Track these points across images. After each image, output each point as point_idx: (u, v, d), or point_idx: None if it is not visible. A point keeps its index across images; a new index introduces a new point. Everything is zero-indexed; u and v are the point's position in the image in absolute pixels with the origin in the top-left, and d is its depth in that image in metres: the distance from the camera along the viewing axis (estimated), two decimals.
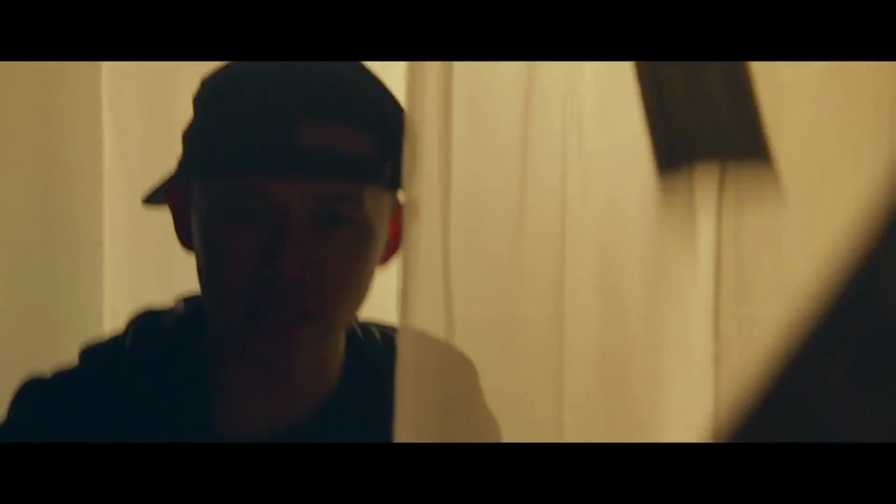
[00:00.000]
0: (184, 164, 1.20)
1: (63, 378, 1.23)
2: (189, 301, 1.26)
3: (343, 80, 1.15)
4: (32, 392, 1.22)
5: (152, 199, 1.27)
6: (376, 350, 1.26)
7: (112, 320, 1.59)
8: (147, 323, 1.24)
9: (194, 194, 1.18)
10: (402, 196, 1.21)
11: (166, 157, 1.27)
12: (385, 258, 1.22)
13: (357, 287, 1.17)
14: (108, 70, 1.63)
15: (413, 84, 0.95)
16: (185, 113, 1.22)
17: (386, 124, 1.16)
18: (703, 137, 0.90)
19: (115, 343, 1.24)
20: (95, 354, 1.24)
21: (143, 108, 1.66)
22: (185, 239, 1.21)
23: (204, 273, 1.17)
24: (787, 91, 1.11)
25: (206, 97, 1.19)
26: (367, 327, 1.29)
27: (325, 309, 1.15)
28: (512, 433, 1.13)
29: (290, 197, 1.12)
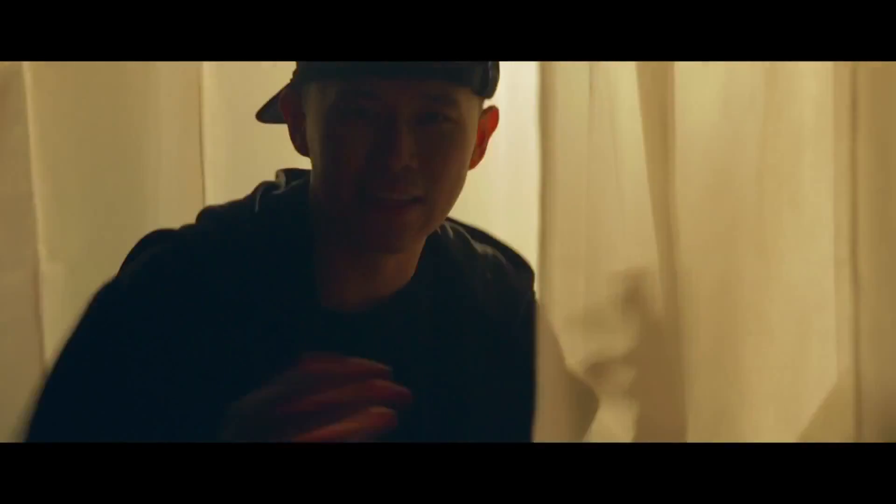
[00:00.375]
0: (301, 74, 1.33)
1: (188, 233, 1.35)
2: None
3: None
4: (156, 242, 1.34)
5: (264, 116, 1.41)
6: (452, 245, 1.42)
7: None
8: (268, 193, 1.38)
9: (310, 100, 1.30)
10: (486, 104, 1.36)
11: None
12: (474, 162, 1.36)
13: (455, 177, 1.31)
14: None
15: None
16: None
17: None
18: None
19: (240, 207, 1.37)
20: (221, 215, 1.37)
21: None
22: (300, 145, 1.35)
23: (320, 167, 1.30)
24: None
25: None
26: (442, 224, 1.43)
27: (430, 193, 1.29)
28: None
29: (397, 96, 1.26)
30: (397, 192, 1.27)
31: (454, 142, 1.29)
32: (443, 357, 1.37)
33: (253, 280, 1.31)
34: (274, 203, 1.37)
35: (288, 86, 1.36)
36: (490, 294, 1.42)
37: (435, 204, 1.30)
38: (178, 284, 1.30)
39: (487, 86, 1.32)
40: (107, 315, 1.30)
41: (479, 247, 1.47)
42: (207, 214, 1.38)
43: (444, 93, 1.27)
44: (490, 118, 1.38)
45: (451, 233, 1.45)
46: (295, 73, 1.34)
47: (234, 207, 1.39)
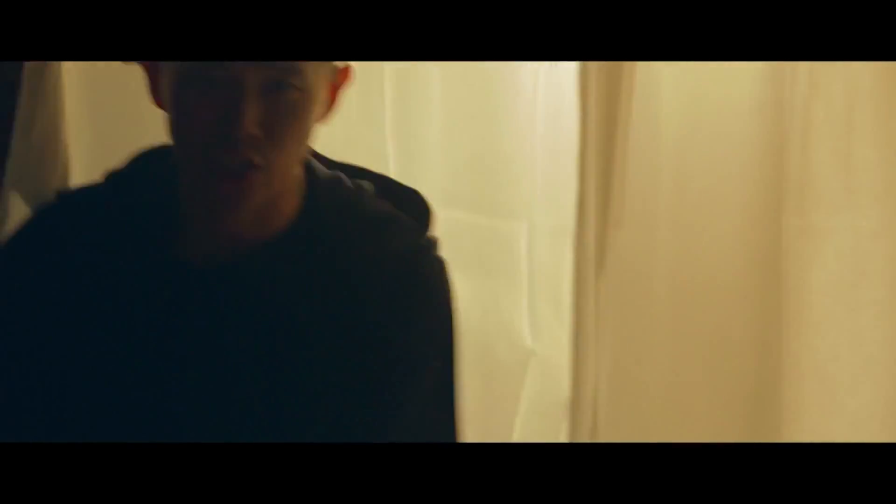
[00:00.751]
0: None
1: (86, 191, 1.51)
2: None
3: None
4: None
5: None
6: (338, 189, 1.47)
7: None
8: (148, 153, 1.50)
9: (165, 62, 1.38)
10: (338, 65, 1.43)
11: None
12: (323, 115, 1.43)
13: (297, 144, 1.39)
14: None
15: None
16: None
17: None
18: None
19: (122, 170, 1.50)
20: (113, 176, 1.51)
21: None
22: (157, 99, 1.43)
23: (173, 130, 1.39)
24: None
25: None
26: (335, 171, 1.50)
27: (271, 159, 1.36)
28: None
29: (245, 68, 1.33)
30: (239, 157, 1.34)
31: (299, 111, 1.36)
32: (298, 317, 1.40)
33: (116, 241, 1.42)
34: (147, 162, 1.48)
35: None
36: (367, 251, 1.43)
37: (275, 170, 1.37)
38: (44, 250, 1.45)
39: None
40: None
41: (371, 202, 1.48)
42: (106, 177, 1.51)
43: (290, 64, 1.34)
44: (341, 75, 1.43)
45: (345, 184, 1.48)
46: None
47: (120, 171, 1.50)
